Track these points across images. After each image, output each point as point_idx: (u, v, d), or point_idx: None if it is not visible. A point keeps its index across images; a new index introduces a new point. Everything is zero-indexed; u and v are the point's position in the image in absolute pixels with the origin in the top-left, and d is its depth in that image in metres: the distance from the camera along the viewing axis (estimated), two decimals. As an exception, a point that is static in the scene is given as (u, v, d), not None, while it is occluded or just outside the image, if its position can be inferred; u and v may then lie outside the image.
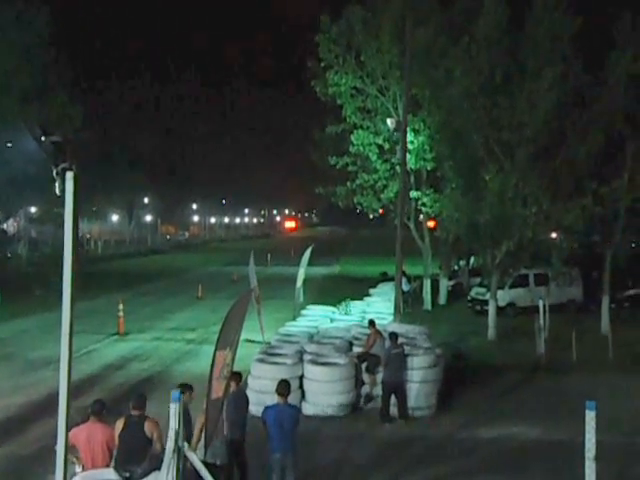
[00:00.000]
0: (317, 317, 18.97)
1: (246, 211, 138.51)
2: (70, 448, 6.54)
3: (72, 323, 5.67)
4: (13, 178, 29.75)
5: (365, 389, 13.34)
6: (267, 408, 8.54)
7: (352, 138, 25.76)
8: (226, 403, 8.18)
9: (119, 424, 7.33)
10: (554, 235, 21.70)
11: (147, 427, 7.24)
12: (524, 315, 22.90)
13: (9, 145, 28.14)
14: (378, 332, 13.91)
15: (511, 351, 18.92)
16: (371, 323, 14.35)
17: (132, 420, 7.31)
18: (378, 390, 12.97)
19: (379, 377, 13.00)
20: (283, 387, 8.64)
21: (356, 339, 14.89)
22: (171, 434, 6.19)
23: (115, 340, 20.63)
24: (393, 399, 12.55)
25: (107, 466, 7.30)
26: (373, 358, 13.30)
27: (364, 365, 13.37)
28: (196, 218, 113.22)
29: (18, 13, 27.51)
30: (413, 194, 25.74)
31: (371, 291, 26.71)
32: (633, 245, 26.64)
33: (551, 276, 24.28)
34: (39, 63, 28.15)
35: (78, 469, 7.44)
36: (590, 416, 6.10)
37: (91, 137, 31.30)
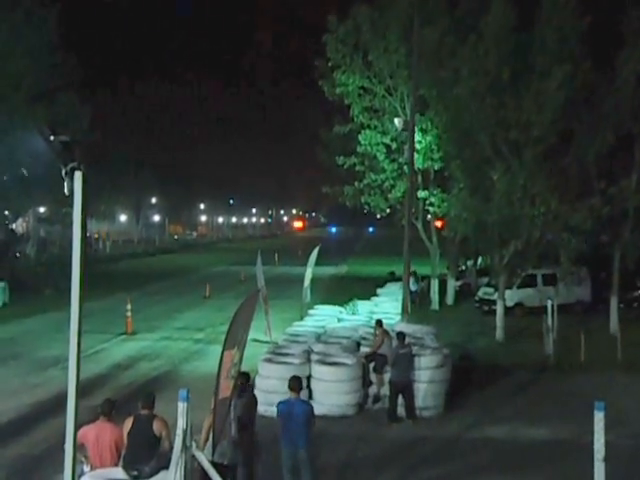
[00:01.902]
0: (324, 317, 18.96)
1: (253, 211, 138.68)
2: (79, 447, 6.57)
3: (81, 322, 5.69)
4: (22, 178, 29.89)
5: (373, 389, 13.32)
6: (279, 403, 8.57)
7: (360, 138, 25.76)
8: (234, 403, 8.19)
9: (128, 423, 7.36)
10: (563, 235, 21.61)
11: (156, 426, 7.26)
12: (532, 315, 22.81)
13: (18, 144, 28.26)
14: (386, 332, 13.89)
15: (519, 351, 18.85)
16: (378, 323, 14.33)
17: (141, 419, 7.33)
18: (385, 390, 12.95)
19: (386, 377, 12.99)
20: (294, 382, 8.66)
21: (363, 339, 14.87)
22: (179, 433, 6.20)
23: (123, 339, 20.69)
24: (400, 399, 12.53)
25: (115, 465, 7.32)
26: (380, 358, 13.28)
27: (371, 365, 13.36)
28: (204, 218, 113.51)
29: (27, 13, 27.63)
30: (421, 194, 25.71)
31: (379, 291, 26.69)
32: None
33: (559, 276, 24.17)
34: (48, 63, 28.28)
35: (87, 468, 7.46)
36: (599, 416, 6.07)
37: (99, 137, 31.37)
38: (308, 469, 8.28)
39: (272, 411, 9.53)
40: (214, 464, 6.74)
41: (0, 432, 11.69)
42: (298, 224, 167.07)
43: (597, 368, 16.41)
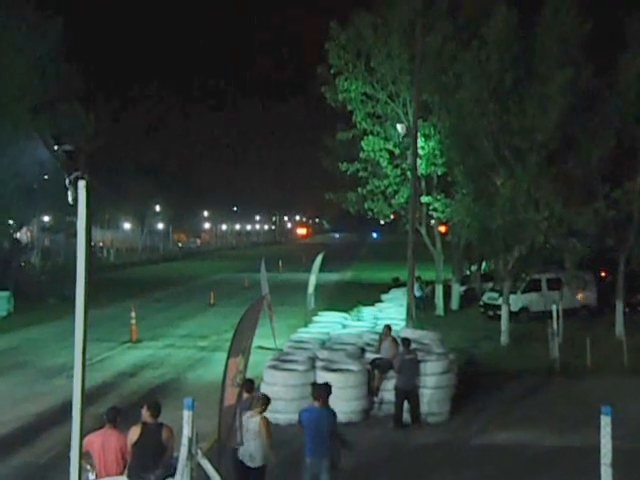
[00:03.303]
0: (329, 323, 18.93)
1: (257, 218, 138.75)
2: (84, 455, 6.56)
3: (85, 331, 5.69)
4: (26, 187, 29.98)
5: (379, 395, 13.25)
6: (303, 411, 8.52)
7: (362, 144, 25.76)
8: (239, 410, 8.17)
9: (135, 431, 7.31)
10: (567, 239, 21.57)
11: (164, 435, 7.24)
12: (537, 320, 22.78)
13: (22, 154, 28.36)
14: (394, 338, 13.87)
15: (524, 356, 18.80)
16: (388, 327, 14.27)
17: (149, 428, 7.29)
18: (390, 396, 12.90)
19: (391, 383, 12.92)
20: (318, 390, 8.62)
21: (368, 345, 14.84)
22: (184, 441, 6.20)
23: (128, 347, 20.69)
24: (406, 405, 12.50)
25: (121, 474, 7.30)
26: (385, 362, 13.23)
27: (376, 371, 13.30)
28: (207, 225, 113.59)
29: (31, 23, 27.74)
30: (424, 199, 25.70)
31: (383, 297, 26.66)
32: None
33: (564, 281, 24.12)
34: (52, 73, 28.37)
35: (92, 476, 7.45)
36: (606, 421, 6.05)
37: (103, 146, 31.44)
38: (327, 478, 8.25)
39: (276, 418, 9.51)
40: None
41: (6, 441, 11.70)
42: (302, 231, 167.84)
43: (603, 372, 16.36)
